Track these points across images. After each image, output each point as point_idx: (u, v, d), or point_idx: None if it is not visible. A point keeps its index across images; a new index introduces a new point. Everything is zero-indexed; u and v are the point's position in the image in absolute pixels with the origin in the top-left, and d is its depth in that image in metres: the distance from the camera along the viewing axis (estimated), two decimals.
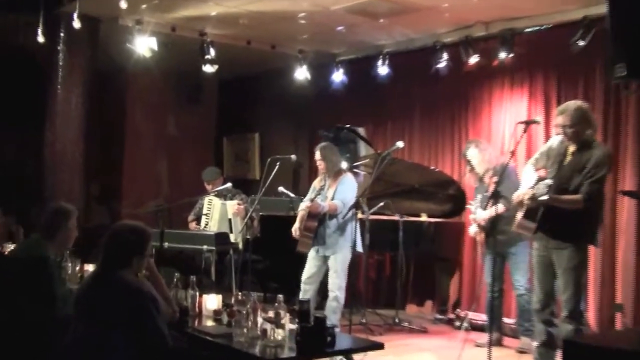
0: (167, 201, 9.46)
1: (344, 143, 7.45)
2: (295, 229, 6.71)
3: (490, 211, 6.15)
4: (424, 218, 8.05)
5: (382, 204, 7.43)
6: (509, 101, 8.10)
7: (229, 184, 7.87)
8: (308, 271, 6.74)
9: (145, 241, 3.89)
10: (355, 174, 7.43)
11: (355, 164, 8.00)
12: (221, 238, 7.61)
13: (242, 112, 11.25)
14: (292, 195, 7.90)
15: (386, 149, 7.14)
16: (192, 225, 8.23)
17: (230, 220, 7.86)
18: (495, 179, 6.10)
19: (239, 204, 7.86)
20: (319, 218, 6.65)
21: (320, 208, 6.59)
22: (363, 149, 8.72)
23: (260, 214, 7.90)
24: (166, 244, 7.15)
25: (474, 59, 8.00)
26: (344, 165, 7.04)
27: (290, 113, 10.60)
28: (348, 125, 8.83)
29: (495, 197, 5.51)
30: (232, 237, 7.77)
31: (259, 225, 7.78)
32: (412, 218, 7.90)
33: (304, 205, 6.71)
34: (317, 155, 6.78)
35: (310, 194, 6.82)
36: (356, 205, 6.67)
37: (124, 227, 3.90)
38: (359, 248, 6.73)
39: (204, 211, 8.07)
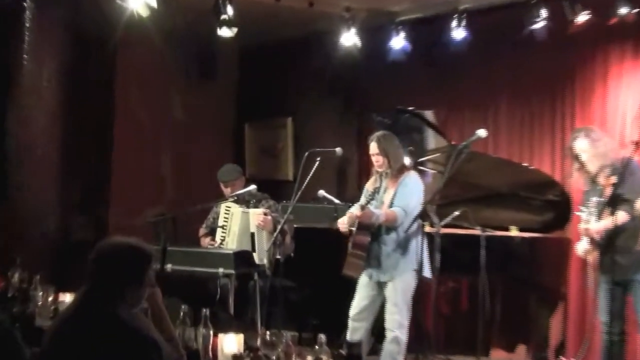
0: (170, 209, 9.23)
1: (405, 132, 7.60)
2: (342, 223, 6.75)
3: (607, 221, 6.06)
4: (514, 232, 8.00)
5: (457, 213, 7.37)
6: (631, 74, 7.98)
7: (252, 187, 7.87)
8: (358, 303, 6.78)
9: (144, 265, 3.86)
10: (422, 173, 7.48)
11: (421, 159, 7.98)
12: (242, 258, 7.62)
13: (270, 90, 11.20)
14: (336, 201, 7.83)
15: (463, 139, 7.14)
16: (205, 240, 8.24)
17: (253, 234, 7.86)
18: (613, 178, 6.03)
19: (265, 213, 7.86)
20: (372, 231, 6.65)
21: (373, 217, 6.58)
22: (431, 139, 8.66)
23: (295, 226, 7.89)
24: (169, 266, 7.22)
25: (583, 17, 7.84)
26: (407, 161, 7.08)
27: (334, 92, 10.51)
28: (411, 108, 8.70)
29: (615, 202, 5.47)
30: (256, 257, 7.78)
31: (292, 241, 7.79)
32: (499, 232, 7.84)
33: (353, 210, 6.74)
34: (373, 147, 6.79)
35: (362, 199, 6.83)
36: (423, 215, 6.65)
37: (116, 246, 3.86)
38: (427, 273, 6.73)
39: (220, 222, 8.09)
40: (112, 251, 3.83)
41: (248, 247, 7.84)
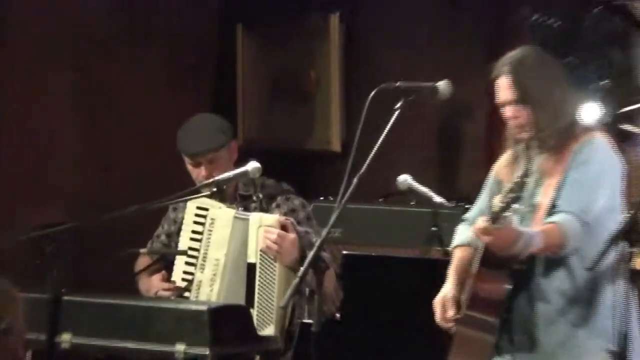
0: (73, 215, 7.09)
1: (593, 47, 6.29)
2: (444, 298, 5.02)
3: None
4: None
5: None
6: None
7: (252, 165, 5.43)
8: None
9: None
10: (623, 140, 6.25)
11: (625, 108, 6.71)
12: (229, 322, 5.35)
13: None
14: (437, 198, 6.42)
15: None
16: (150, 282, 5.86)
17: (254, 268, 5.64)
18: None
19: (282, 223, 5.57)
20: (514, 270, 4.97)
21: (519, 242, 4.65)
22: None
23: (345, 253, 6.54)
24: (68, 338, 5.16)
25: None
26: (591, 113, 6.08)
27: None
28: None
29: None
30: (257, 319, 5.50)
31: (339, 286, 5.86)
32: None
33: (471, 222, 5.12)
34: (503, 87, 4.94)
35: (490, 197, 4.92)
36: (628, 233, 4.64)
37: None
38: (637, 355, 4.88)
39: (183, 242, 5.76)
40: None
41: (241, 298, 5.52)
